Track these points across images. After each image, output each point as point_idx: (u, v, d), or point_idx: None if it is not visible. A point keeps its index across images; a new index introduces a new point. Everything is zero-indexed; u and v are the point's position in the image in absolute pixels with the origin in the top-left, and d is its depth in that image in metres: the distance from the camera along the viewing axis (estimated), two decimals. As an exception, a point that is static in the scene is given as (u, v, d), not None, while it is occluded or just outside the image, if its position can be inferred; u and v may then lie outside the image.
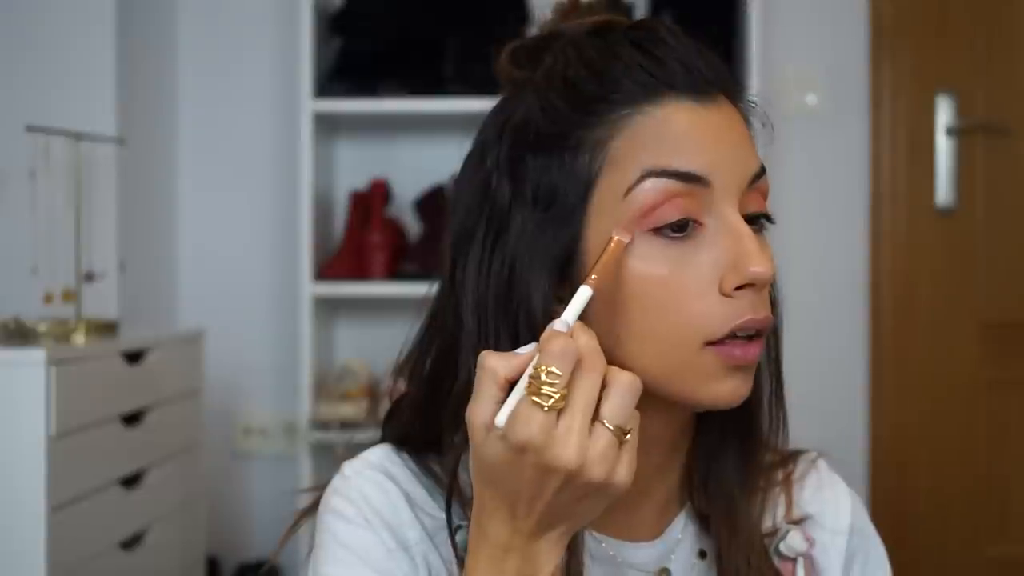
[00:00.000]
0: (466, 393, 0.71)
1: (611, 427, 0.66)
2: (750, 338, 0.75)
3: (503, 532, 0.69)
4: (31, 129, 1.89)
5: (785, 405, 0.84)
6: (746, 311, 0.74)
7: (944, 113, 2.85)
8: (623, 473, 0.67)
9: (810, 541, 0.87)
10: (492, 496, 0.69)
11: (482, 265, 0.76)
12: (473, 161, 0.80)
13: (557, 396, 0.65)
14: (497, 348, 0.74)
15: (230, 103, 2.91)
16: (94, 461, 1.83)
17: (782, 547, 0.86)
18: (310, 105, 2.61)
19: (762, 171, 0.77)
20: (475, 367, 0.70)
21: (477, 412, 0.68)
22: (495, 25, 2.70)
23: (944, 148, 2.86)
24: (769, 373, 0.82)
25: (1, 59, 2.49)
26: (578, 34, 0.79)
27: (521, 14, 2.71)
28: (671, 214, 0.73)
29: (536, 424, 0.65)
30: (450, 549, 0.79)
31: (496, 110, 0.82)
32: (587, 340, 0.67)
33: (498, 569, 0.69)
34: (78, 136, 1.98)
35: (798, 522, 0.87)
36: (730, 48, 2.67)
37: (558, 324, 0.68)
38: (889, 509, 2.84)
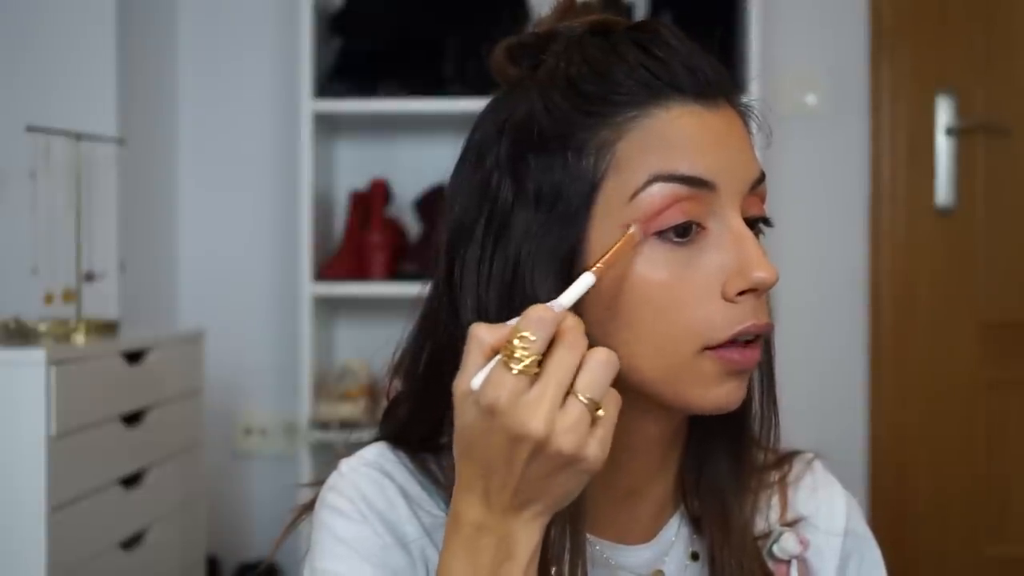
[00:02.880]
0: None
1: (584, 399, 0.65)
2: (748, 343, 0.75)
3: (478, 510, 0.68)
4: (31, 129, 1.89)
5: (777, 406, 0.84)
6: (748, 316, 0.74)
7: (944, 113, 2.85)
8: (595, 448, 0.66)
9: (804, 543, 0.87)
10: (468, 467, 0.68)
11: (482, 265, 0.76)
12: (470, 159, 0.80)
13: (528, 361, 0.65)
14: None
15: (230, 103, 2.91)
16: (94, 461, 1.83)
17: (775, 549, 0.85)
18: (310, 105, 2.61)
19: (762, 176, 0.77)
20: None
21: (460, 381, 0.68)
22: (495, 25, 2.70)
23: (944, 148, 2.86)
24: (760, 374, 0.82)
25: (1, 59, 2.49)
26: (579, 33, 0.78)
27: (521, 14, 2.71)
28: (676, 218, 0.73)
29: (505, 387, 0.65)
30: None
31: (492, 108, 0.81)
32: (573, 321, 0.67)
33: (473, 552, 0.68)
34: (78, 136, 1.98)
35: (792, 524, 0.87)
36: (730, 48, 2.67)
37: (550, 304, 0.68)
38: (889, 509, 2.84)
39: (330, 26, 2.77)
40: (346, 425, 2.54)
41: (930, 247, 2.87)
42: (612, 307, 0.74)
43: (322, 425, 2.58)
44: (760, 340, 0.76)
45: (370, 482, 0.81)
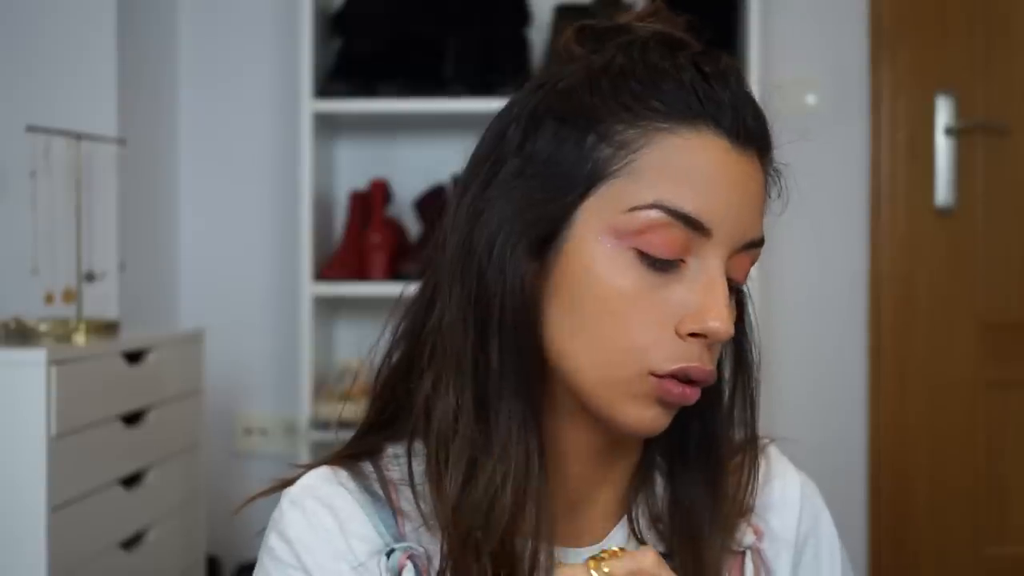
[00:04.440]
0: (443, 331, 0.75)
1: None
2: (689, 382, 0.75)
3: None
4: (31, 129, 1.89)
5: (756, 421, 0.84)
6: (693, 358, 0.74)
7: (944, 113, 2.85)
8: None
9: (758, 533, 0.86)
10: None
11: (473, 202, 0.77)
12: (504, 110, 0.81)
13: None
14: (464, 278, 0.76)
15: (230, 103, 2.91)
16: (94, 461, 1.83)
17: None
18: (310, 105, 2.61)
19: (760, 241, 0.78)
20: (451, 300, 0.75)
21: None
22: (495, 25, 2.71)
23: (944, 148, 2.86)
24: (744, 396, 0.83)
25: (1, 59, 2.49)
26: (647, 35, 0.79)
27: (521, 14, 2.71)
28: (663, 251, 0.73)
29: None
30: (383, 570, 0.78)
31: (541, 74, 0.82)
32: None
33: None
34: (78, 136, 1.98)
35: (745, 513, 0.86)
36: (730, 49, 2.67)
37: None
38: (889, 509, 2.84)
39: (330, 26, 2.77)
40: (345, 425, 2.54)
41: (930, 247, 2.87)
42: (575, 302, 0.75)
43: (322, 425, 2.58)
44: (701, 385, 0.76)
45: (306, 521, 0.80)
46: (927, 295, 2.87)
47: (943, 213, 2.87)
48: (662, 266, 0.74)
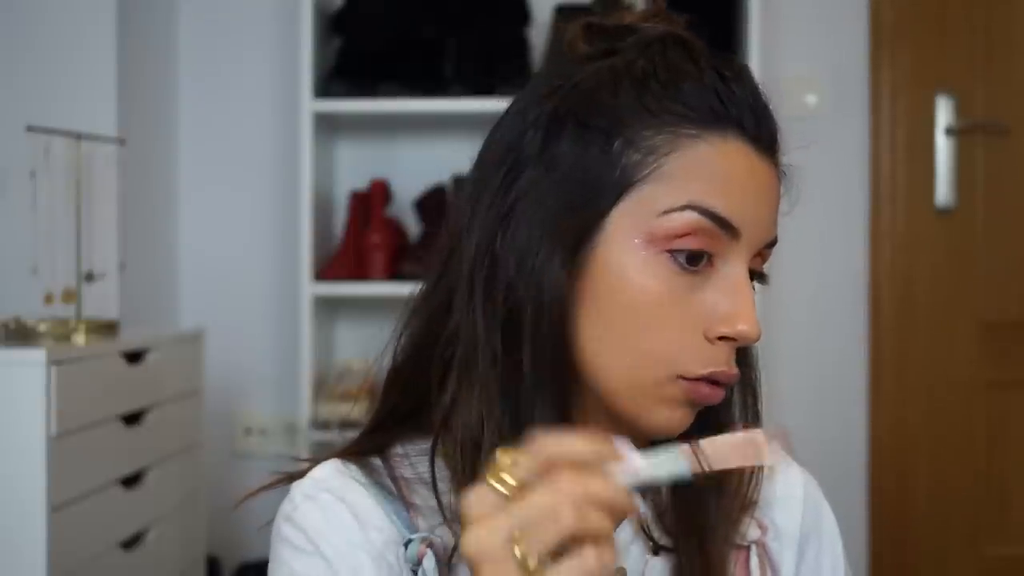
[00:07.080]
0: (462, 337, 0.75)
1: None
2: (715, 383, 0.76)
3: None
4: (32, 129, 1.89)
5: (760, 421, 0.84)
6: (721, 363, 0.75)
7: (944, 113, 2.85)
8: None
9: (763, 528, 0.86)
10: None
11: (491, 209, 0.77)
12: (514, 110, 0.80)
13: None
14: (489, 289, 0.75)
15: (230, 103, 2.91)
16: (94, 461, 1.83)
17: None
18: (310, 105, 2.61)
19: (775, 241, 0.79)
20: (469, 309, 0.74)
21: None
22: (495, 25, 2.71)
23: (944, 148, 2.86)
24: (743, 389, 0.83)
25: (1, 59, 2.49)
26: (660, 35, 0.78)
27: (521, 14, 2.71)
28: (695, 244, 0.74)
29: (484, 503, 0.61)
30: (401, 561, 0.78)
31: (553, 72, 0.81)
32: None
33: None
34: (78, 136, 1.98)
35: (750, 508, 0.86)
36: (731, 49, 2.67)
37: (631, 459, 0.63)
38: (889, 509, 2.84)
39: (330, 26, 2.77)
40: (346, 425, 2.54)
41: (930, 247, 2.87)
42: (606, 307, 0.74)
43: (322, 425, 2.58)
44: (725, 386, 0.77)
45: (320, 512, 0.80)
46: (927, 295, 2.87)
47: (943, 213, 2.87)
48: (693, 269, 0.74)
